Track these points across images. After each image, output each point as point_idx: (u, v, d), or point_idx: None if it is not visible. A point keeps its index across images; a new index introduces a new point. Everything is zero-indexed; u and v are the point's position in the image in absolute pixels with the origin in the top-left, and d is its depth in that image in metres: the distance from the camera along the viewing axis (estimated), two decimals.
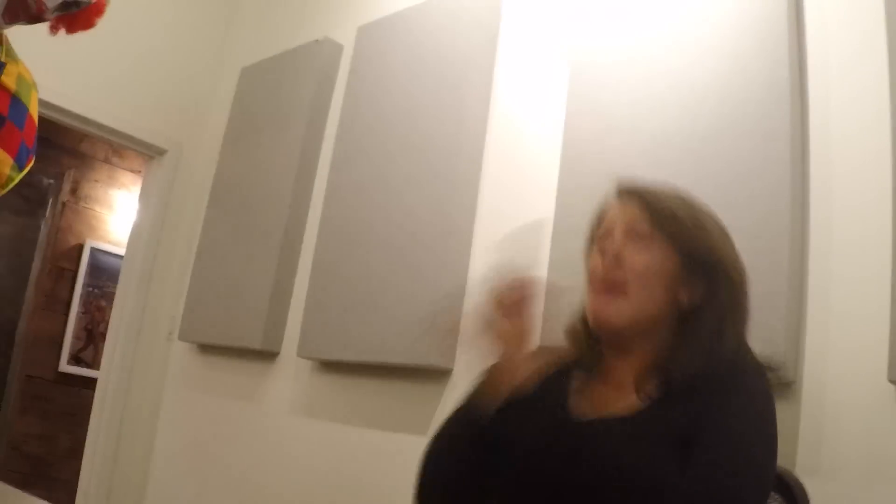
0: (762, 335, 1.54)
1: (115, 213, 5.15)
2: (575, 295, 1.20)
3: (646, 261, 1.04)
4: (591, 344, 1.10)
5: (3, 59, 1.35)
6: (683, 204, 1.11)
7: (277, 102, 3.14)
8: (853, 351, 1.56)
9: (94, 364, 4.74)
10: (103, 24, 3.42)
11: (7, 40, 1.39)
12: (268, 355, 2.87)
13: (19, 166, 1.36)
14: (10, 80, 1.34)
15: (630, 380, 1.04)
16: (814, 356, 1.61)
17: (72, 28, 1.53)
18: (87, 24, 1.55)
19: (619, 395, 1.03)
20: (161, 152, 3.57)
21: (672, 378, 0.98)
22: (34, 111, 1.41)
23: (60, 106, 3.17)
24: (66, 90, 3.18)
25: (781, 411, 1.59)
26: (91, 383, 3.75)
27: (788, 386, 1.61)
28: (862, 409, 1.51)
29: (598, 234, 1.14)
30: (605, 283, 1.04)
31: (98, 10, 1.56)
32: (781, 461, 1.55)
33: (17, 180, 1.37)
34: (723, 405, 0.95)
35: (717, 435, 0.93)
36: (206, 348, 3.19)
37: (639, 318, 1.04)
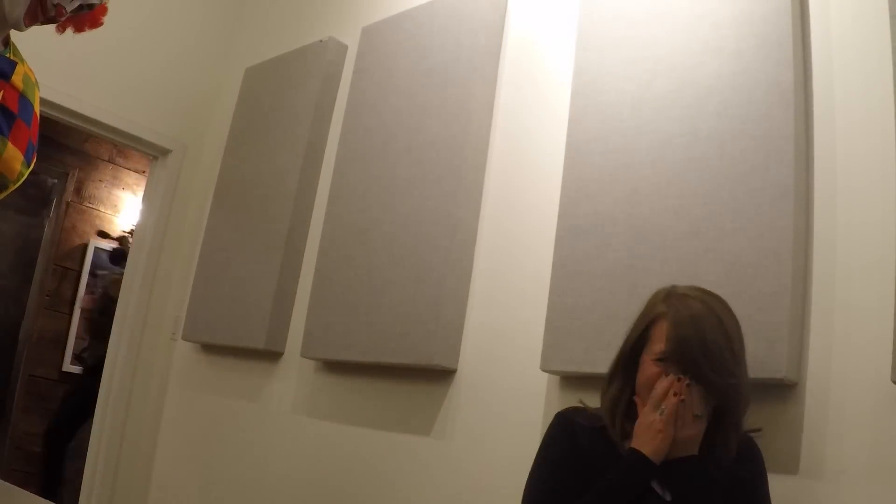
0: (765, 336, 1.54)
1: (120, 214, 5.16)
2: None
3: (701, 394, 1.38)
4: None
5: (12, 59, 1.36)
6: (708, 334, 1.38)
7: (282, 103, 3.14)
8: (856, 352, 1.56)
9: None
10: (108, 25, 3.43)
11: (12, 40, 1.41)
12: (271, 355, 2.87)
13: (27, 162, 1.38)
14: (18, 80, 1.35)
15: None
16: (817, 357, 1.61)
17: (79, 27, 1.55)
18: (95, 23, 1.57)
19: None
20: (165, 153, 3.59)
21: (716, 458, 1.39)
22: (37, 109, 1.43)
23: (65, 106, 3.18)
24: (71, 90, 3.20)
25: (785, 413, 1.59)
26: None
27: (791, 387, 1.61)
28: (865, 410, 1.51)
29: (654, 349, 1.41)
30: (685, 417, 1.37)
31: (104, 10, 1.58)
32: (785, 463, 1.56)
33: (25, 176, 1.39)
34: (755, 474, 1.42)
35: (758, 494, 1.42)
36: (210, 348, 3.19)
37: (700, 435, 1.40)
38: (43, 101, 3.08)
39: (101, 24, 1.59)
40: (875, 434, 1.49)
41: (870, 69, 1.68)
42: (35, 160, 1.44)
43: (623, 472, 1.35)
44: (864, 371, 1.53)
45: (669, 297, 1.44)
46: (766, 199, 1.67)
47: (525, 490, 1.52)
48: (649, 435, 1.35)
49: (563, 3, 2.37)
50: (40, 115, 1.49)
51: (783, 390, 1.60)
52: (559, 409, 1.97)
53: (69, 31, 1.58)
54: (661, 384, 1.36)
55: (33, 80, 1.43)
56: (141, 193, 4.63)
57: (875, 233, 1.59)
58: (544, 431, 1.98)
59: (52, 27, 1.50)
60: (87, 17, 1.54)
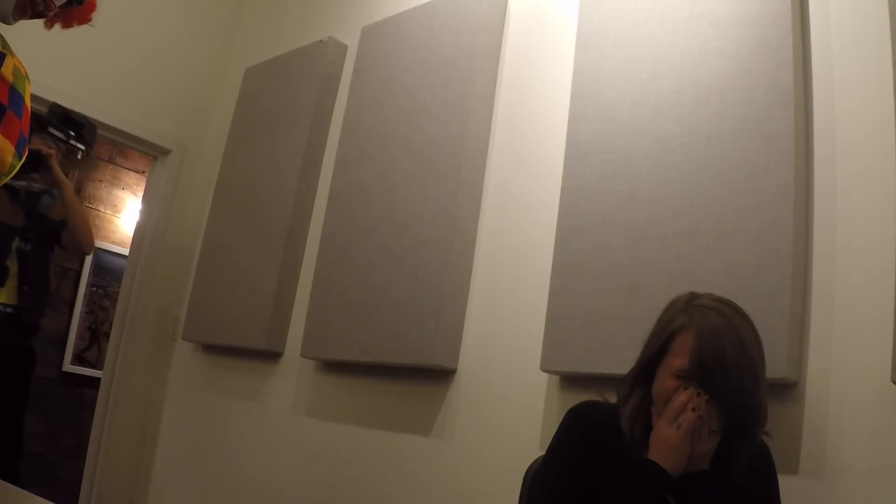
0: (765, 336, 1.54)
1: (120, 214, 5.16)
2: None
3: (717, 410, 1.36)
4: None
5: (1, 51, 1.36)
6: (733, 357, 1.34)
7: (281, 103, 3.14)
8: (856, 352, 1.56)
9: (98, 364, 4.75)
10: (107, 24, 3.44)
11: (0, 33, 1.41)
12: (271, 355, 2.87)
13: (18, 155, 1.38)
14: (7, 72, 1.36)
15: None
16: (817, 357, 1.61)
17: (68, 23, 1.55)
18: (83, 19, 1.57)
19: None
20: (165, 153, 3.59)
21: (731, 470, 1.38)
22: (28, 102, 1.43)
23: (65, 106, 3.17)
24: (71, 91, 3.19)
25: (785, 413, 1.59)
26: (94, 383, 3.76)
27: (791, 387, 1.61)
28: (865, 410, 1.51)
29: (674, 363, 1.38)
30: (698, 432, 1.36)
31: (92, 6, 1.57)
32: (785, 463, 1.56)
33: (17, 168, 1.39)
34: (767, 488, 1.42)
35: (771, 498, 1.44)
36: (210, 348, 3.19)
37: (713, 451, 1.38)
38: (42, 101, 3.06)
39: (90, 20, 1.59)
40: (875, 434, 1.49)
41: (870, 69, 1.68)
42: (27, 152, 1.45)
43: (640, 484, 1.33)
44: (864, 371, 1.53)
45: (690, 309, 1.40)
46: (766, 199, 1.67)
47: (535, 484, 1.51)
48: (666, 449, 1.33)
49: (563, 3, 2.37)
50: (32, 110, 1.49)
51: (783, 390, 1.60)
52: (559, 409, 1.98)
53: (67, 28, 1.58)
54: (679, 398, 1.34)
55: (23, 72, 1.43)
56: (141, 193, 4.63)
57: (875, 233, 1.59)
58: (544, 431, 1.99)
59: (40, 22, 1.50)
60: (75, 12, 1.54)
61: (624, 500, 1.33)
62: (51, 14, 1.43)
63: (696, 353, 1.34)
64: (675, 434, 1.32)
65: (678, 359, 1.37)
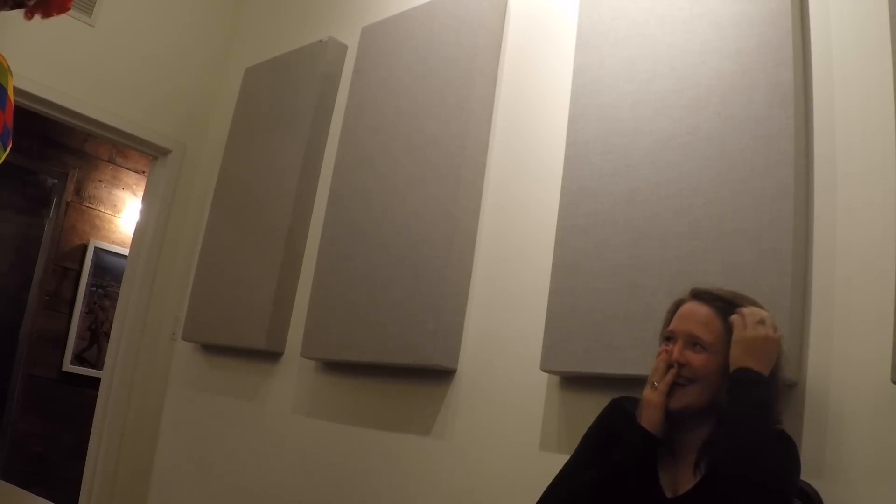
0: None
1: (120, 214, 5.16)
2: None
3: (704, 361, 1.42)
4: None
5: None
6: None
7: (281, 103, 3.14)
8: (856, 352, 1.56)
9: (98, 364, 4.75)
10: (107, 24, 3.43)
11: None
12: (271, 355, 2.87)
13: (3, 146, 1.38)
14: None
15: (692, 458, 1.41)
16: (817, 357, 1.61)
17: (47, 13, 1.55)
18: (62, 8, 1.57)
19: (685, 473, 1.41)
20: (165, 153, 3.59)
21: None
22: (11, 94, 1.43)
23: (65, 106, 3.18)
24: (71, 90, 3.20)
25: (785, 413, 1.59)
26: (94, 383, 3.76)
27: (792, 387, 1.61)
28: (865, 410, 1.51)
29: (669, 329, 1.47)
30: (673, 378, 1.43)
31: None
32: None
33: (2, 159, 1.39)
34: (790, 465, 1.36)
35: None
36: (210, 348, 3.19)
37: (697, 403, 1.42)
38: (43, 101, 3.06)
39: (69, 8, 1.59)
40: (875, 434, 1.49)
41: (870, 69, 1.68)
42: (11, 144, 1.45)
43: (625, 446, 1.41)
44: (864, 371, 1.53)
45: (695, 289, 1.50)
46: (766, 199, 1.68)
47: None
48: (647, 410, 1.42)
49: (563, 3, 2.37)
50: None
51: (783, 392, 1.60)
52: (559, 409, 1.99)
53: (47, 17, 1.58)
54: (658, 362, 1.43)
55: (6, 66, 1.43)
56: (141, 193, 4.63)
57: (875, 232, 1.59)
58: (544, 431, 2.00)
59: (39, 22, 1.50)
60: (54, 1, 1.54)
61: (614, 462, 1.40)
62: (30, 3, 1.44)
63: (680, 311, 1.46)
64: (650, 392, 1.42)
65: (668, 325, 1.49)
